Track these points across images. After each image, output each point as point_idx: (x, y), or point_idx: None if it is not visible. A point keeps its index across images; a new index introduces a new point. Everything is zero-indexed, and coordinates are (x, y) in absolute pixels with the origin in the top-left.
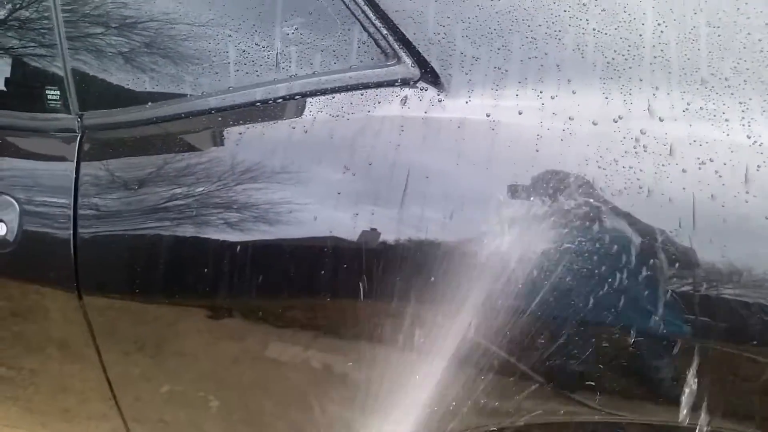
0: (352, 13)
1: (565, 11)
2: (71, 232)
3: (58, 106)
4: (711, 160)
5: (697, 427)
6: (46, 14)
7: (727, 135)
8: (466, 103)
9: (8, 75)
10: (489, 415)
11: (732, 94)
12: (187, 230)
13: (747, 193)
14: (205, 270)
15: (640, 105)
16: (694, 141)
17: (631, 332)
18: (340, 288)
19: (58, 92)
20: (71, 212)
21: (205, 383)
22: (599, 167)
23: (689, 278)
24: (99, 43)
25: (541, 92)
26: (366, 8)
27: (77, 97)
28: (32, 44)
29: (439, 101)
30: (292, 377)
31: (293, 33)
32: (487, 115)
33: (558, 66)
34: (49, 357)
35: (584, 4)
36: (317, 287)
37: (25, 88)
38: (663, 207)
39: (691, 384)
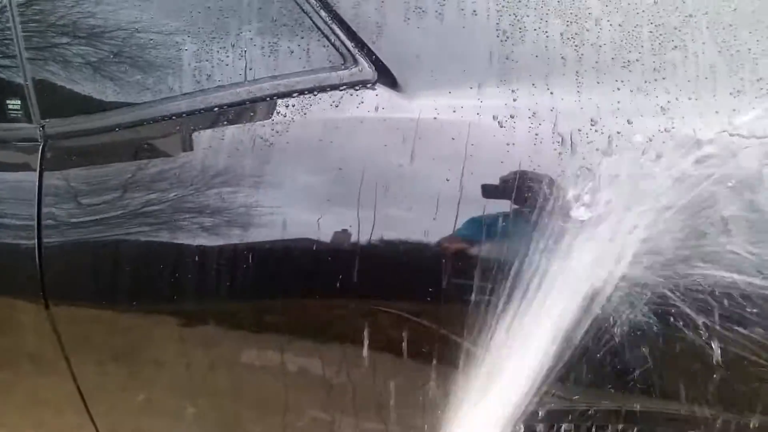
0: (310, 18)
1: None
2: (36, 241)
3: (20, 115)
4: None
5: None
6: (7, 24)
7: None
8: (422, 103)
9: None
10: None
11: None
12: (155, 236)
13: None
14: (175, 276)
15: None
16: None
17: None
18: (314, 290)
19: (20, 101)
20: (35, 222)
21: (179, 390)
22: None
23: None
24: (60, 52)
25: (498, 92)
26: (323, 13)
27: (39, 105)
28: None
29: (396, 102)
30: (268, 382)
31: (253, 38)
32: (440, 116)
33: (517, 66)
34: (20, 369)
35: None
36: (291, 290)
37: None
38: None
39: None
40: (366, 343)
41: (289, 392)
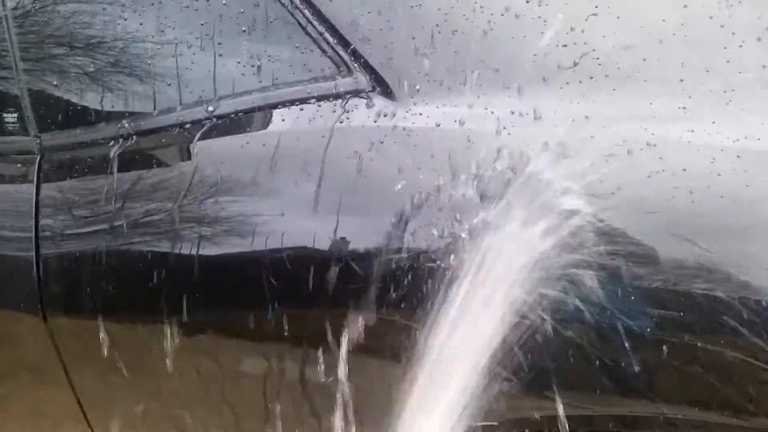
0: (303, 28)
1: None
2: (33, 253)
3: (16, 128)
4: None
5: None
6: (3, 36)
7: None
8: (416, 112)
9: None
10: None
11: None
12: (153, 247)
13: None
14: (174, 286)
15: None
16: None
17: None
18: (317, 300)
19: (16, 114)
20: (33, 234)
21: (179, 401)
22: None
23: None
24: (58, 64)
25: (488, 101)
26: (316, 22)
27: (35, 118)
28: None
29: (390, 111)
30: (270, 393)
31: (247, 49)
32: (436, 124)
33: (504, 75)
34: (19, 382)
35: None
36: (293, 299)
37: None
38: None
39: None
40: None
41: (288, 401)
